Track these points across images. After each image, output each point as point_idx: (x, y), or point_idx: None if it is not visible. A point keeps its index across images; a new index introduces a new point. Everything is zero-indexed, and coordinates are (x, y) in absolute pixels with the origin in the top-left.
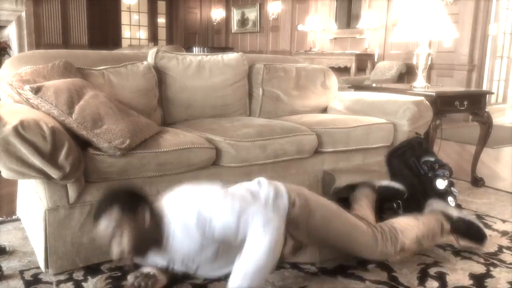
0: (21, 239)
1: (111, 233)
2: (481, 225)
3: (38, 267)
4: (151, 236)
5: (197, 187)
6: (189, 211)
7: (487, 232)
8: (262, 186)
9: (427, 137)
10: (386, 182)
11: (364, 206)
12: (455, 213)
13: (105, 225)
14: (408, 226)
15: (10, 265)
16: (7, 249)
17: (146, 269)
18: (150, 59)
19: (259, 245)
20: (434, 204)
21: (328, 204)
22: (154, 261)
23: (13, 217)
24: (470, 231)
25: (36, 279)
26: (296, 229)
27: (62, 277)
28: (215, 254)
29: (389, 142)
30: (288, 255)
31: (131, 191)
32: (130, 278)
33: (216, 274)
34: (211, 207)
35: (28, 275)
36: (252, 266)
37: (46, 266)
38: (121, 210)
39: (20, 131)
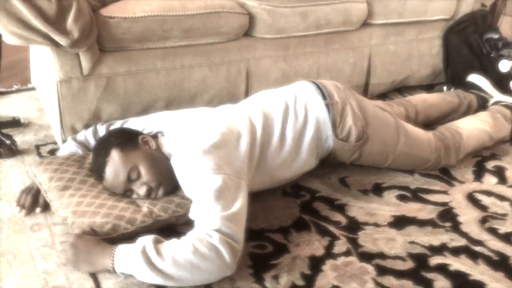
0: (37, 110)
1: (126, 176)
2: None
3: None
4: (164, 159)
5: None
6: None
7: None
8: None
9: (493, 9)
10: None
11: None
12: None
13: (114, 171)
14: (475, 131)
15: (25, 139)
16: (22, 121)
17: None
18: None
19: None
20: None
21: (386, 120)
22: None
23: (28, 85)
24: None
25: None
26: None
27: None
28: None
29: (450, 14)
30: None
31: (120, 130)
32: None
33: None
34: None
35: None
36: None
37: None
38: (121, 148)
39: None
